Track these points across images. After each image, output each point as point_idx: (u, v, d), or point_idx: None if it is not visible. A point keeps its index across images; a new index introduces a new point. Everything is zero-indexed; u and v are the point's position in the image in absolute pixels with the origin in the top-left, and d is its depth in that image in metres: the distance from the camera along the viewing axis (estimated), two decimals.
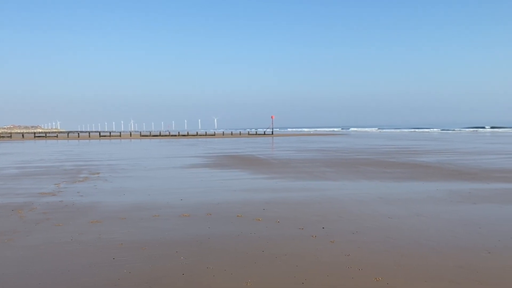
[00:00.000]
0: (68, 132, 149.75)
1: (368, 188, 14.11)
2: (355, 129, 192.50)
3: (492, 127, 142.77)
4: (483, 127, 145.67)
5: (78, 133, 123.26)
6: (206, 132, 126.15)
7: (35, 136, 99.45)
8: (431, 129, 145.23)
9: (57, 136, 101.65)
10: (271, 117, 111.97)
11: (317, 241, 7.69)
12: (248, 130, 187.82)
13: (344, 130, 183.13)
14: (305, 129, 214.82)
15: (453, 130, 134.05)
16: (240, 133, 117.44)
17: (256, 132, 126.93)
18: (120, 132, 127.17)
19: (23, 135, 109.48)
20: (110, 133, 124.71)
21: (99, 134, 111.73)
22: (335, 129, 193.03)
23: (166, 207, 11.02)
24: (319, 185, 14.91)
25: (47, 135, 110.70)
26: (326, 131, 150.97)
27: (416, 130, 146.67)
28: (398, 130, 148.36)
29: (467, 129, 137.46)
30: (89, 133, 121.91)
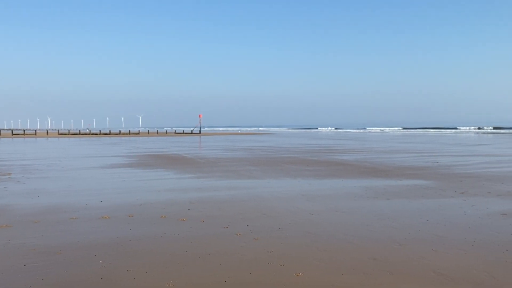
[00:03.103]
0: None
1: (291, 185, 14.52)
2: (274, 129, 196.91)
3: (404, 128, 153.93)
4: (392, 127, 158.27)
5: None
6: (130, 131, 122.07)
7: None
8: (347, 129, 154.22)
9: None
10: (199, 116, 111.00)
11: (241, 239, 7.77)
12: (175, 128, 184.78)
13: (259, 129, 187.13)
14: (221, 128, 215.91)
15: (350, 129, 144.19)
16: (166, 132, 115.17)
17: (183, 131, 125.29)
18: (36, 130, 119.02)
19: None
20: (24, 131, 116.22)
21: (12, 132, 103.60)
22: (251, 129, 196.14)
23: (84, 209, 10.50)
24: (244, 183, 15.07)
25: None
26: (243, 131, 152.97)
27: (312, 129, 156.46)
28: (308, 130, 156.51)
29: (384, 128, 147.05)
30: None
